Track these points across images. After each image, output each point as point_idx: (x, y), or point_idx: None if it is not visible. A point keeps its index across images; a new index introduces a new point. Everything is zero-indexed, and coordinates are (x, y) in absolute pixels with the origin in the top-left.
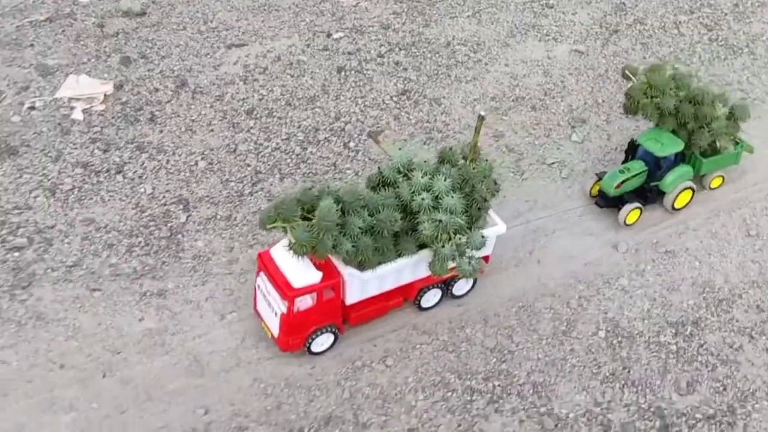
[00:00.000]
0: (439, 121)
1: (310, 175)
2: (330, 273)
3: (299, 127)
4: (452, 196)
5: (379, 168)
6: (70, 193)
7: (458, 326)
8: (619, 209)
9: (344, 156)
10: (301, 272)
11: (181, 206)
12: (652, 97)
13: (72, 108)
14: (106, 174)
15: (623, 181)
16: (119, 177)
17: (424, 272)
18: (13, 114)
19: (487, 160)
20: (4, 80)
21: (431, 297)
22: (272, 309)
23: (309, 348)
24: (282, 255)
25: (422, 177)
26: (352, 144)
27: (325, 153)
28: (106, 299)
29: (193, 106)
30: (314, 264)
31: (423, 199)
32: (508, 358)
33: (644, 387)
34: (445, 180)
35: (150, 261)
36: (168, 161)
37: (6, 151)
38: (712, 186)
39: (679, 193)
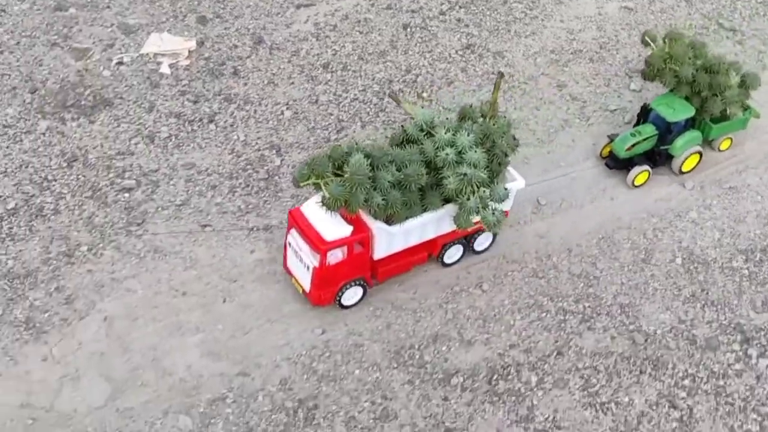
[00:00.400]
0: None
1: (389, 123)
2: (360, 227)
3: (373, 79)
4: (475, 151)
5: (402, 126)
6: (168, 141)
7: (544, 255)
8: (629, 171)
9: (419, 105)
10: (333, 226)
11: (275, 151)
12: (670, 65)
13: (159, 63)
14: (199, 123)
15: (634, 144)
16: (212, 126)
17: (447, 227)
18: (103, 69)
19: (505, 117)
20: (90, 38)
21: (454, 252)
22: (304, 264)
23: (339, 301)
24: (313, 211)
25: (445, 133)
26: (425, 94)
27: None
28: (217, 234)
29: (271, 61)
30: (344, 219)
31: (447, 154)
32: (594, 283)
33: (723, 306)
34: (468, 135)
35: (252, 200)
36: (255, 111)
37: (101, 103)
38: (721, 148)
39: (687, 157)
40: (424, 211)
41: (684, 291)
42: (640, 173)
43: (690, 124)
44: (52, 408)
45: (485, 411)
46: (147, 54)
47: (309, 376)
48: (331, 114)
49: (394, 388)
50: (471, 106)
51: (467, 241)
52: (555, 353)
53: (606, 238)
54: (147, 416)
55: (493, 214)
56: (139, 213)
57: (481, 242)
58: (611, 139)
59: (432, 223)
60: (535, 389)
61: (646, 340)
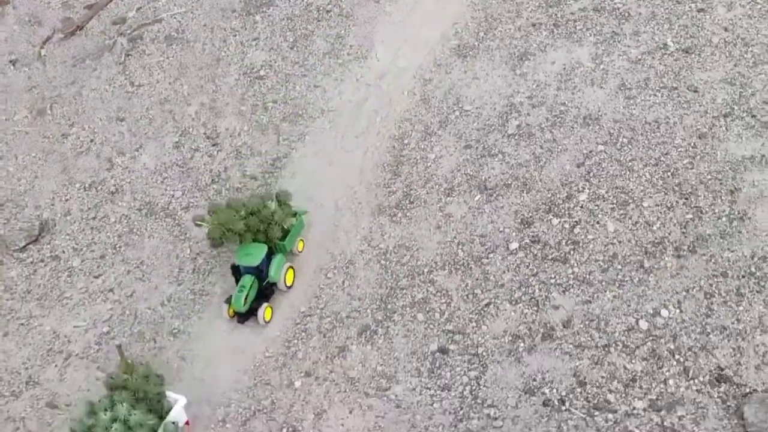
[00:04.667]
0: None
1: None
2: None
3: None
4: (135, 413)
5: (70, 428)
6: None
7: None
8: (256, 315)
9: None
10: None
11: None
12: (226, 229)
13: None
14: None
15: (246, 296)
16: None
17: None
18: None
19: (141, 364)
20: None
21: None
22: None
23: None
24: None
25: (105, 413)
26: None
27: None
28: None
29: None
30: None
31: (115, 429)
32: None
33: None
34: (123, 404)
35: None
36: None
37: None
38: (299, 250)
39: (285, 274)
40: None
41: None
42: (265, 311)
43: (270, 254)
44: None
45: None
46: None
47: None
48: None
49: None
50: (111, 377)
51: None
52: None
53: None
54: None
55: None
56: None
57: None
58: (228, 302)
59: None
60: None
61: None
